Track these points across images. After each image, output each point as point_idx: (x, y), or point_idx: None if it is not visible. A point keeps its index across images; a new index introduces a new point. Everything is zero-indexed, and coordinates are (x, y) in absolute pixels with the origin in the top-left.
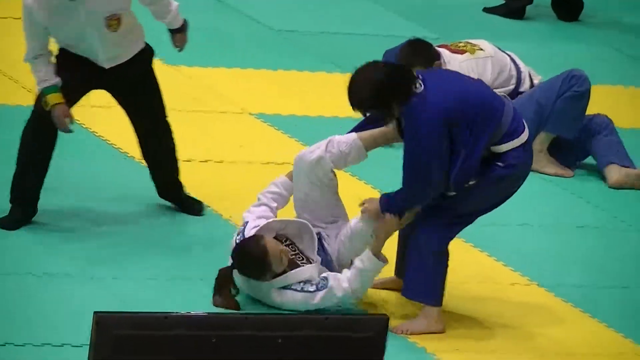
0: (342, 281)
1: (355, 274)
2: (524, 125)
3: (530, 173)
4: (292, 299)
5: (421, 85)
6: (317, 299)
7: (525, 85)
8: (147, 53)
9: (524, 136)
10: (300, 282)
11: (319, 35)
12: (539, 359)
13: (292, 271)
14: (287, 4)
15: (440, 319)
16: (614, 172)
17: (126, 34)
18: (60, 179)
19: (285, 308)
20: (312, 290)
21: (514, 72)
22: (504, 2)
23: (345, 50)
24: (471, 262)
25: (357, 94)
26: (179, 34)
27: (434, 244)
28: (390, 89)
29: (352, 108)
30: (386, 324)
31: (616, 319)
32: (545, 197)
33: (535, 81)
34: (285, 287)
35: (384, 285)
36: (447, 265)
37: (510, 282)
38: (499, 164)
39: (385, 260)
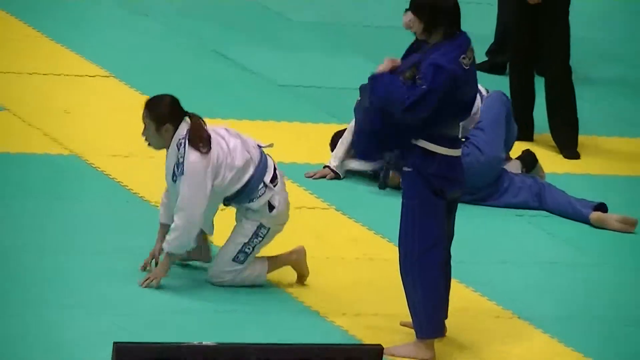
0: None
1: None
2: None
3: (505, 214)
4: None
5: None
6: None
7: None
8: None
9: (452, 152)
10: None
11: (317, 89)
12: None
13: None
14: (289, 60)
15: (429, 347)
16: (609, 220)
17: None
18: (82, 220)
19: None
20: None
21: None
22: (487, 58)
23: (341, 102)
24: (458, 297)
25: None
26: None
27: (411, 281)
28: None
29: None
30: (381, 353)
31: (592, 348)
32: (520, 235)
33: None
34: None
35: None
36: (434, 296)
37: (495, 315)
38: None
39: None
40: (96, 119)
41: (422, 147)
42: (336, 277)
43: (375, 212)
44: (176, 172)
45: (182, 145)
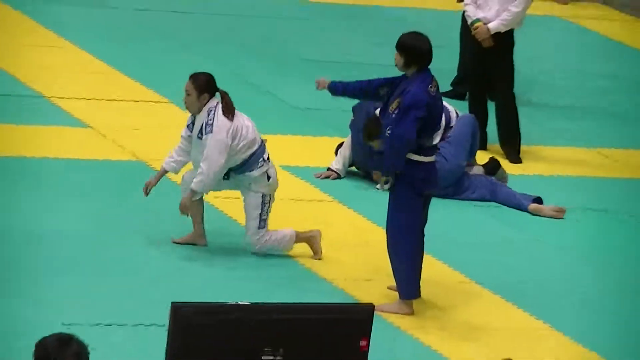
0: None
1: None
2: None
3: (466, 206)
4: None
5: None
6: None
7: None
8: None
9: (429, 159)
10: None
11: (325, 111)
12: (475, 331)
13: None
14: (301, 87)
15: (409, 306)
16: (544, 209)
17: None
18: (146, 212)
19: None
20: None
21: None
22: (451, 88)
23: (343, 120)
24: (430, 267)
25: None
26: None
27: (395, 257)
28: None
29: None
30: (372, 310)
31: (534, 304)
32: (477, 220)
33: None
34: None
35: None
36: (412, 268)
37: (458, 281)
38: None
39: None
40: (158, 134)
41: (408, 157)
42: (340, 254)
43: (369, 205)
44: (203, 131)
45: (213, 112)
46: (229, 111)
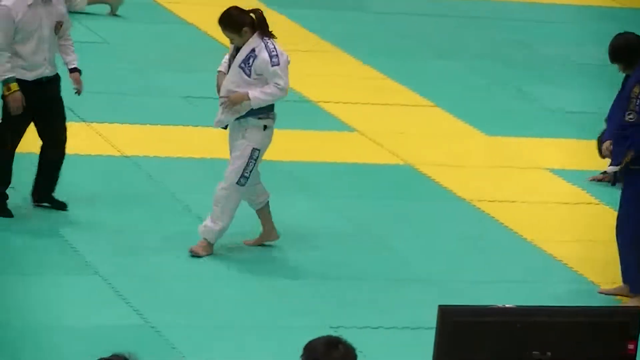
0: None
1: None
2: None
3: None
4: None
5: None
6: None
7: None
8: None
9: None
10: None
11: (589, 114)
12: None
13: None
14: (569, 93)
15: None
16: None
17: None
18: (414, 215)
19: None
20: None
21: None
22: None
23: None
24: None
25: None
26: (77, 72)
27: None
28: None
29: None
30: (638, 313)
31: None
32: None
33: None
34: None
35: (616, 292)
36: None
37: None
38: None
39: None
40: (424, 137)
41: None
42: (609, 257)
43: None
44: (263, 63)
45: (270, 43)
46: (266, 29)
